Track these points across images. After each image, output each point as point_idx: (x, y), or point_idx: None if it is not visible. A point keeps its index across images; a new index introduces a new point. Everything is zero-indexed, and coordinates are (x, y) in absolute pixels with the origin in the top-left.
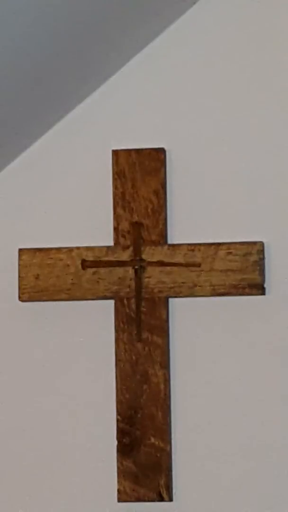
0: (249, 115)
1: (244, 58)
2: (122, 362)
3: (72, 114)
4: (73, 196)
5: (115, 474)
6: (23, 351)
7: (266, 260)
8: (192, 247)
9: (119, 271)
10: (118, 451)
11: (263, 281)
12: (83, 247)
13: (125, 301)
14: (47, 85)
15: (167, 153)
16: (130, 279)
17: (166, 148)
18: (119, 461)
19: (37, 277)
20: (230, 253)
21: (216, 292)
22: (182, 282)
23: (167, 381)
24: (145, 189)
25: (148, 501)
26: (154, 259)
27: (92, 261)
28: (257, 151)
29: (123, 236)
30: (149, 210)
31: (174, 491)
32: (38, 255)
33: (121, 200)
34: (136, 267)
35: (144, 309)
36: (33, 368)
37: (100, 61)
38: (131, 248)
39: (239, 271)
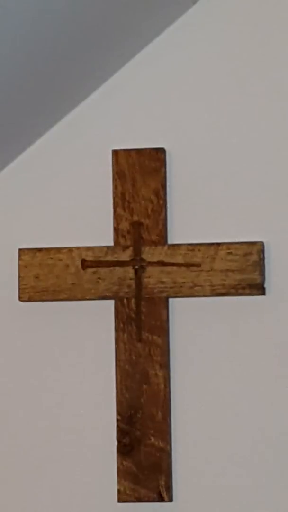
0: (249, 115)
1: (245, 58)
2: (122, 362)
3: (72, 114)
4: (73, 196)
5: (115, 474)
6: (23, 351)
7: (266, 260)
8: (192, 247)
9: (119, 271)
10: (118, 451)
11: (263, 281)
12: (83, 247)
13: (125, 301)
14: (47, 85)
15: (167, 153)
16: (130, 279)
17: (166, 148)
18: (119, 461)
19: (37, 277)
20: (230, 253)
21: (216, 292)
22: (182, 282)
23: (167, 381)
24: (145, 189)
25: (148, 501)
26: (154, 259)
27: (92, 261)
28: (257, 151)
29: (123, 236)
30: (149, 210)
31: (174, 491)
32: (38, 255)
33: (121, 200)
34: (136, 267)
35: (144, 309)
36: (33, 368)
37: (100, 61)
38: (131, 248)
39: (239, 271)
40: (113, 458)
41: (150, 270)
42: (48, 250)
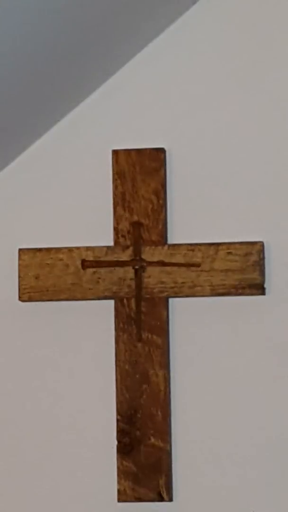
0: (249, 115)
1: (244, 58)
2: (122, 362)
3: (72, 114)
4: (73, 196)
5: (115, 474)
6: (23, 351)
7: (266, 260)
8: (192, 247)
9: (119, 271)
10: (118, 451)
11: (263, 281)
12: (83, 247)
13: (125, 301)
14: (47, 85)
15: (167, 153)
16: (130, 279)
17: (166, 148)
18: (119, 461)
19: (37, 277)
20: (230, 253)
21: (216, 292)
22: (182, 282)
23: (167, 381)
24: (145, 189)
25: (148, 501)
26: (154, 259)
27: (92, 261)
28: (257, 151)
29: (123, 236)
30: (149, 210)
31: (174, 491)
32: (38, 255)
33: (121, 200)
34: (136, 267)
35: (144, 309)
36: (33, 368)
37: (100, 61)
38: (131, 248)
39: (239, 271)
40: (113, 458)
41: (150, 270)
42: (48, 250)
